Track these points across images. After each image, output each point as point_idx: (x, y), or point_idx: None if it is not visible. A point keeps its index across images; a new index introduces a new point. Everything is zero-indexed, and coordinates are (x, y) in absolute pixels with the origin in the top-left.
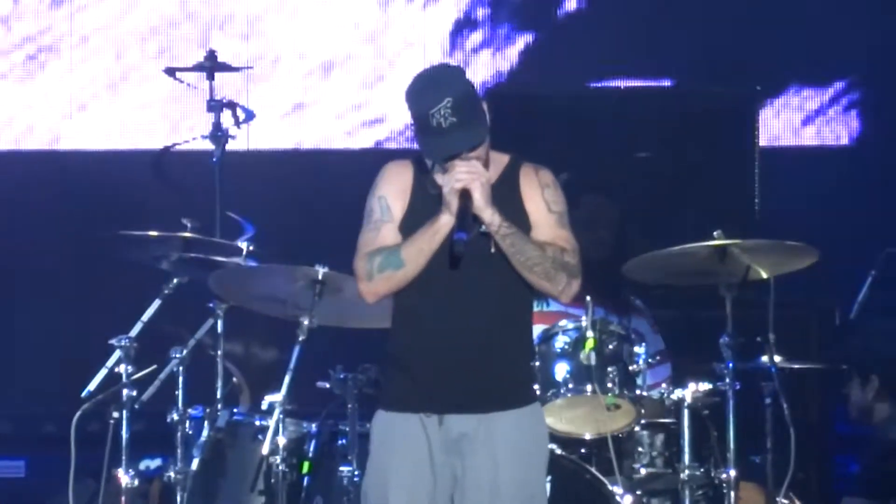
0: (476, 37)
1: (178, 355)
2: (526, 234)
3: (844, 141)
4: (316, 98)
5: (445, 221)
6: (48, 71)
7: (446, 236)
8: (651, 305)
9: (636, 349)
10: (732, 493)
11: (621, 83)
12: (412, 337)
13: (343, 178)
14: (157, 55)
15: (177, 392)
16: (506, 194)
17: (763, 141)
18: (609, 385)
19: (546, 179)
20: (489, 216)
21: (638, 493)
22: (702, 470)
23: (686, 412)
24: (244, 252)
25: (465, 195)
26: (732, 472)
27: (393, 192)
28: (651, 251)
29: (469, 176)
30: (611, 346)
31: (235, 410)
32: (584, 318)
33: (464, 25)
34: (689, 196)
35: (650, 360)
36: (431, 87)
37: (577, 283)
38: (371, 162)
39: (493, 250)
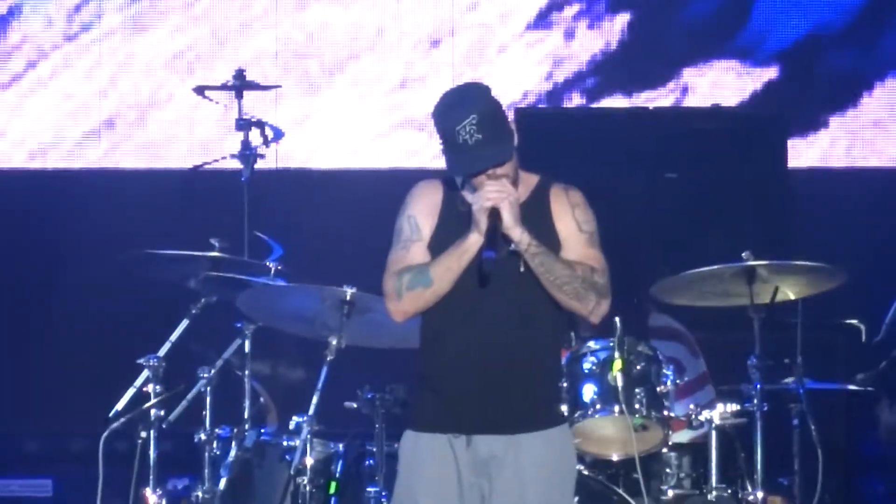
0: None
1: (205, 375)
2: (555, 254)
3: (874, 162)
4: (345, 117)
5: (474, 240)
6: (77, 88)
7: (475, 255)
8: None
9: (664, 371)
10: None
11: (651, 104)
12: (440, 357)
13: (372, 197)
14: (187, 74)
15: (204, 412)
16: (536, 214)
17: (792, 162)
18: (636, 406)
19: (576, 199)
20: (518, 235)
21: None
22: (729, 491)
23: (714, 433)
24: (272, 272)
25: (494, 214)
26: (760, 494)
27: (423, 211)
28: (680, 272)
29: (498, 195)
30: (638, 367)
31: (263, 430)
32: (611, 339)
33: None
34: (717, 217)
35: (678, 382)
36: (457, 105)
37: (606, 303)
38: (401, 182)
39: (522, 269)
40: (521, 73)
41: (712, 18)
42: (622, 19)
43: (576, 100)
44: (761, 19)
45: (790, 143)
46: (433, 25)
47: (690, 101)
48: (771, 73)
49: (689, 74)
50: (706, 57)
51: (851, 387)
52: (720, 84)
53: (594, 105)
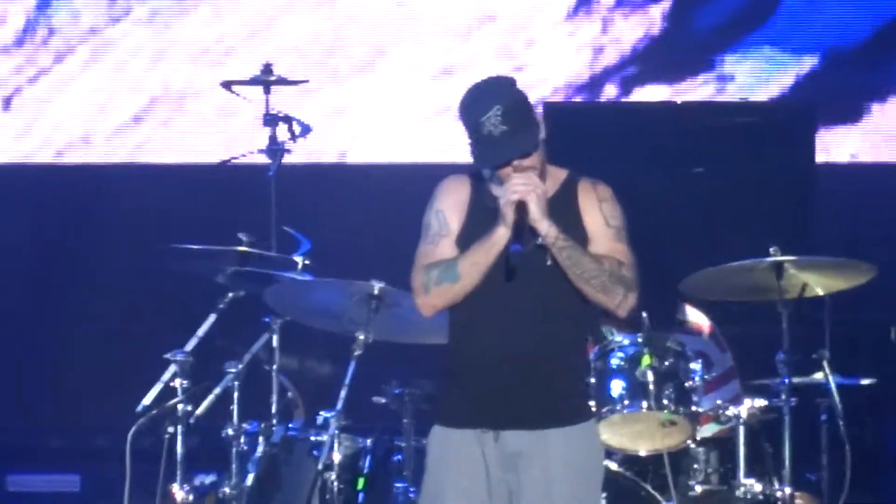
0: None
1: (233, 370)
2: (583, 248)
3: None
4: (374, 113)
5: (501, 234)
6: (103, 82)
7: (502, 249)
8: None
9: (692, 366)
10: None
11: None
12: (468, 351)
13: (399, 192)
14: (213, 68)
15: (232, 407)
16: (563, 208)
17: (820, 157)
18: (665, 402)
19: (604, 194)
20: (545, 228)
21: None
22: (757, 487)
23: (741, 429)
24: (300, 266)
25: (521, 207)
26: (788, 489)
27: (450, 206)
28: (707, 267)
29: (525, 188)
30: (667, 363)
31: (290, 425)
32: (639, 334)
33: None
34: (745, 212)
35: (706, 377)
36: (481, 97)
37: (633, 296)
38: (428, 177)
39: (549, 263)
40: (560, 63)
41: (751, 6)
42: (661, 7)
43: (613, 89)
44: (800, 7)
45: (824, 135)
46: (470, 14)
47: (730, 90)
48: (809, 62)
49: (727, 63)
50: (745, 45)
51: (879, 382)
52: (759, 73)
53: (629, 97)
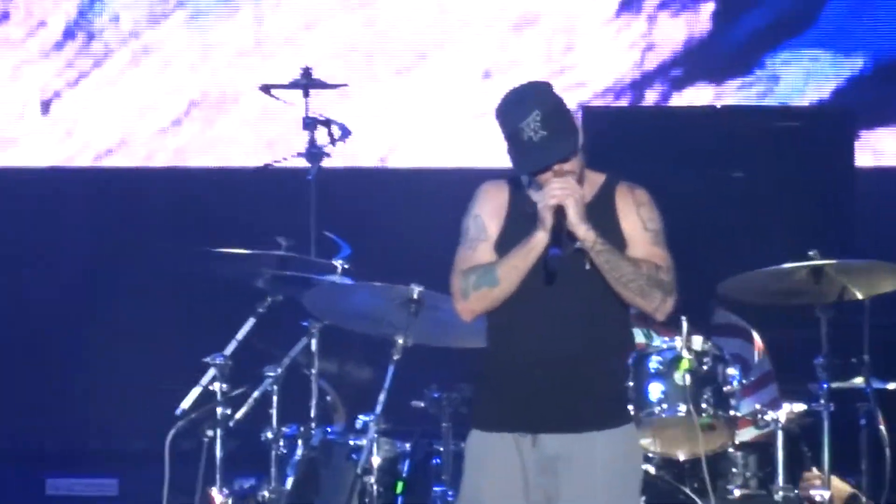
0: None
1: (272, 374)
2: (621, 251)
3: None
4: (414, 116)
5: (540, 238)
6: (143, 86)
7: (541, 254)
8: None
9: (730, 370)
10: None
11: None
12: (506, 355)
13: (439, 197)
14: (253, 71)
15: (271, 411)
16: (601, 212)
17: (862, 160)
18: (703, 406)
19: (642, 198)
20: (584, 232)
21: None
22: (796, 491)
23: (780, 433)
24: (339, 270)
25: (559, 211)
26: (827, 494)
27: (489, 210)
28: (746, 271)
29: (563, 192)
30: (705, 367)
31: (329, 429)
32: (678, 338)
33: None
34: (784, 216)
35: (744, 382)
36: (520, 102)
37: (671, 300)
38: (467, 181)
39: (587, 267)
40: (604, 64)
41: (797, 9)
42: (707, 9)
43: (658, 91)
44: (846, 10)
45: (868, 138)
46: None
47: (780, 90)
48: (854, 65)
49: (773, 65)
50: (790, 47)
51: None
52: (804, 75)
53: (674, 98)
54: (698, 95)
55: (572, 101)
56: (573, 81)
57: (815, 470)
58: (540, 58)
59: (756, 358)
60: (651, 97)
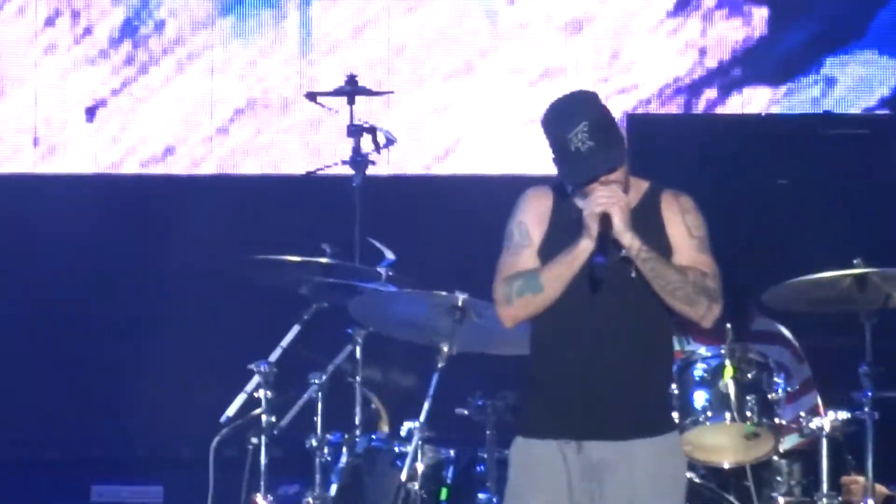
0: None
1: (316, 381)
2: (667, 259)
3: None
4: (459, 124)
5: (585, 246)
6: (189, 94)
7: (585, 261)
8: (793, 334)
9: (775, 378)
10: None
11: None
12: (551, 362)
13: (483, 204)
14: (298, 79)
15: (315, 418)
16: (646, 220)
17: None
18: (748, 413)
19: (687, 205)
20: (629, 240)
21: None
22: (839, 499)
23: (824, 441)
24: (383, 278)
25: (604, 220)
26: (871, 502)
27: (532, 217)
28: (790, 279)
29: (608, 200)
30: (750, 375)
31: (374, 437)
32: (722, 346)
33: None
34: (829, 223)
35: (789, 390)
36: (567, 113)
37: (717, 307)
38: (511, 188)
39: (633, 275)
40: (658, 66)
41: (853, 11)
42: (762, 11)
43: (712, 93)
44: None
45: None
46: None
47: (836, 93)
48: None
49: (830, 67)
50: (850, 47)
51: None
52: (863, 75)
53: (729, 100)
54: (753, 98)
55: (625, 104)
56: (626, 84)
57: (853, 474)
58: (587, 63)
59: (796, 365)
60: (706, 100)
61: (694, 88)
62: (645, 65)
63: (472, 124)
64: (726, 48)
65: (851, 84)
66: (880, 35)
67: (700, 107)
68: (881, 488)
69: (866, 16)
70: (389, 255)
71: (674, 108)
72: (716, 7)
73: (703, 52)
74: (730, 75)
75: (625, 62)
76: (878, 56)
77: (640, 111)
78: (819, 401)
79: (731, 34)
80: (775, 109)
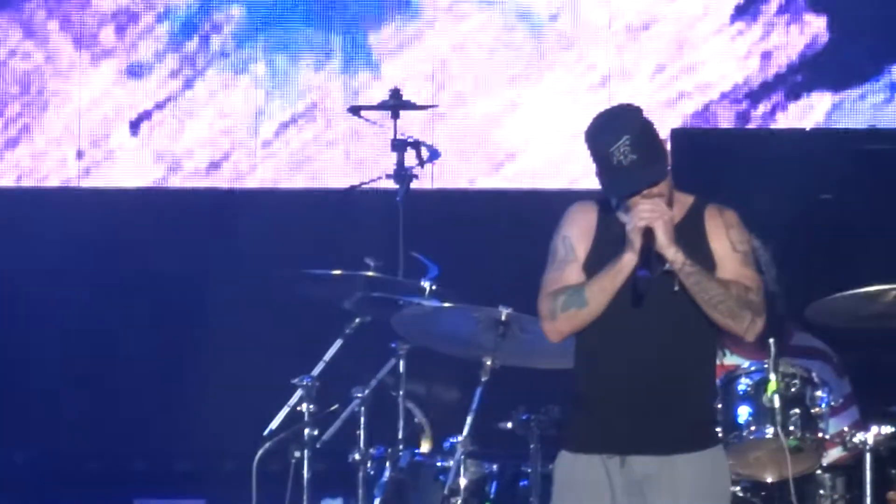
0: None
1: (359, 395)
2: (710, 273)
3: None
4: (501, 139)
5: (628, 260)
6: (233, 108)
7: (629, 275)
8: (835, 349)
9: (818, 392)
10: None
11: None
12: (595, 377)
13: (527, 218)
14: (340, 93)
15: (358, 432)
16: (690, 234)
17: None
18: (791, 428)
19: (731, 220)
20: (672, 254)
21: None
22: None
23: (868, 455)
24: (427, 292)
25: (648, 234)
26: None
27: (577, 232)
28: (834, 294)
29: (652, 214)
30: (793, 389)
31: (417, 451)
32: (766, 360)
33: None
34: (872, 238)
35: (833, 404)
36: (609, 126)
37: (761, 321)
38: (555, 203)
39: (676, 289)
40: (719, 72)
41: None
42: (824, 14)
43: (777, 98)
44: None
45: None
46: (617, 29)
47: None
48: None
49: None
50: None
51: None
52: None
53: (791, 106)
54: (815, 103)
55: (687, 109)
56: (687, 88)
57: None
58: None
59: (837, 380)
60: (767, 105)
61: (755, 94)
62: (703, 73)
63: (517, 139)
64: (788, 54)
65: None
66: None
67: (759, 112)
68: None
69: None
70: (433, 270)
71: (731, 114)
72: (777, 13)
73: (766, 57)
74: (791, 81)
75: (682, 68)
76: None
77: (693, 121)
78: (860, 416)
79: (793, 39)
80: (837, 116)
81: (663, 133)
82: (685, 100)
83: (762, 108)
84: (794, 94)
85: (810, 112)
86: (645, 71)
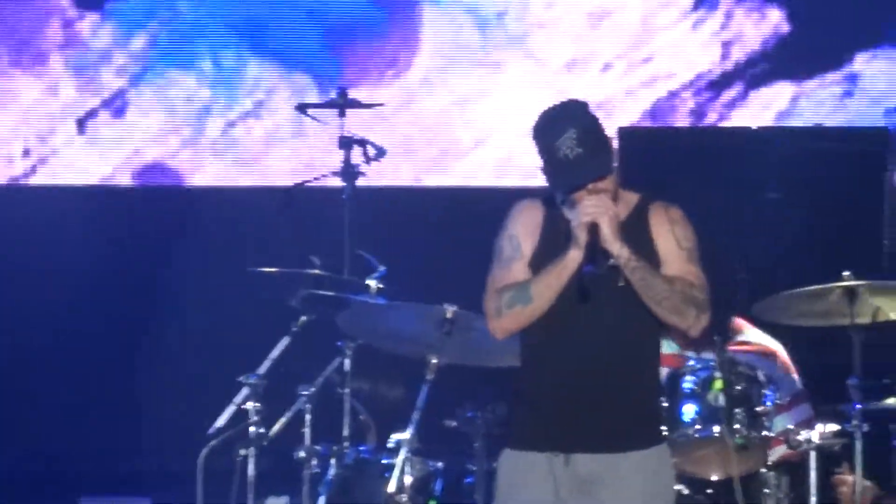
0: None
1: (305, 393)
2: (655, 269)
3: None
4: (447, 136)
5: (574, 256)
6: (179, 106)
7: (575, 271)
8: (784, 345)
9: (764, 390)
10: None
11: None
12: (540, 374)
13: (474, 216)
14: (287, 91)
15: (304, 430)
16: (635, 231)
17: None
18: (736, 426)
19: (676, 216)
20: (617, 249)
21: None
22: None
23: (813, 453)
24: (373, 290)
25: (593, 229)
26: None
27: (523, 230)
28: (780, 292)
29: (597, 209)
30: (738, 388)
31: (362, 448)
32: (711, 358)
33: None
34: (819, 237)
35: (779, 402)
36: (556, 121)
37: (705, 317)
38: (502, 200)
39: (621, 284)
40: (680, 61)
41: (881, 4)
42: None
43: (738, 89)
44: None
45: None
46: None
47: (862, 87)
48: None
49: (857, 63)
50: (876, 43)
51: None
52: (888, 73)
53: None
54: (777, 93)
55: (649, 98)
56: (647, 77)
57: (846, 473)
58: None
59: (784, 377)
60: (727, 96)
61: (717, 84)
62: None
63: (465, 136)
64: (750, 44)
65: (876, 81)
66: None
67: (718, 104)
68: (871, 485)
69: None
70: (379, 268)
71: (690, 106)
72: (738, 2)
73: (726, 46)
74: (754, 72)
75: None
76: None
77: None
78: (813, 413)
79: (754, 29)
80: (797, 108)
81: (611, 130)
82: (643, 91)
83: (722, 99)
84: (754, 85)
85: (771, 104)
86: (598, 65)
